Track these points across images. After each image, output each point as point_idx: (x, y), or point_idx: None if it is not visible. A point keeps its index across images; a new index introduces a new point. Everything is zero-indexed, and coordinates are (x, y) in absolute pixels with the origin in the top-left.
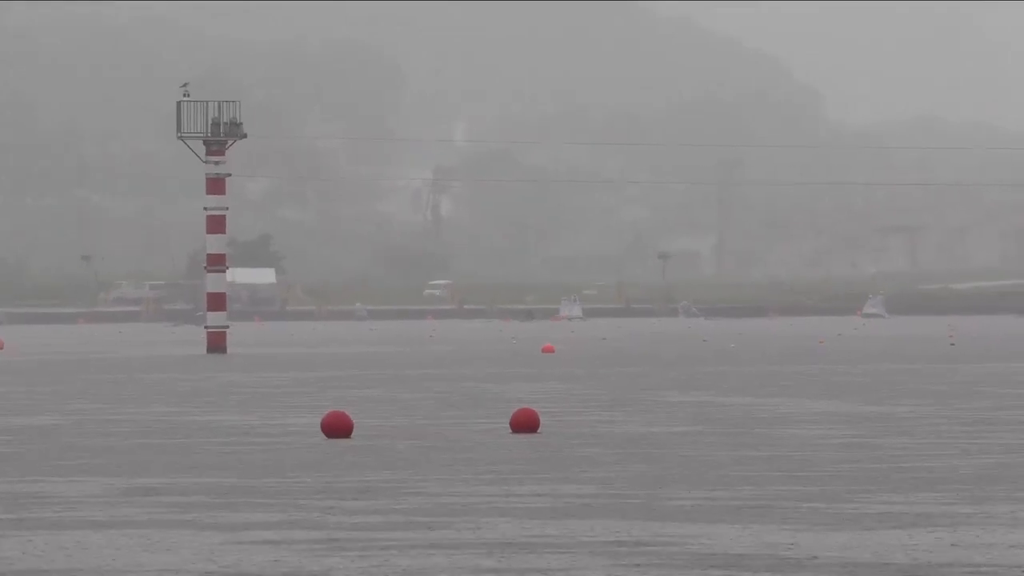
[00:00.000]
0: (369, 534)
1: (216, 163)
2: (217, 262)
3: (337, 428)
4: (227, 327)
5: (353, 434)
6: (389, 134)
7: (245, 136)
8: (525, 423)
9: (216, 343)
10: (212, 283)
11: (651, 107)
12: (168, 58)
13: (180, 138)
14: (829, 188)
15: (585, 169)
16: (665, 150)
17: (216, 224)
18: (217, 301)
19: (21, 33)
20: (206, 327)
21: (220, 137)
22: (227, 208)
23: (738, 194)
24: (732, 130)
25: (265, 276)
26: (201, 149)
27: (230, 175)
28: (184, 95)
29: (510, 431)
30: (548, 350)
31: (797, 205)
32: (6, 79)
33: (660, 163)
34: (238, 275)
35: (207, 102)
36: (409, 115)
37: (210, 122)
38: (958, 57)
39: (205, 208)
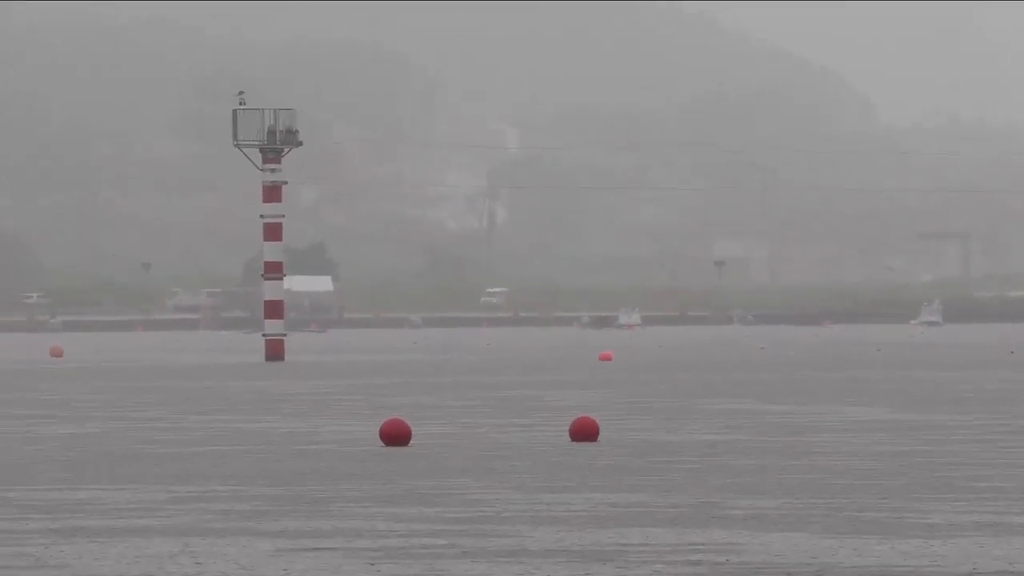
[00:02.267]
0: (424, 541)
1: (272, 171)
2: (274, 270)
3: (395, 435)
4: (285, 335)
5: (411, 441)
6: (425, 139)
7: (301, 144)
8: (584, 431)
9: (274, 351)
10: (270, 291)
11: (686, 110)
12: (180, 59)
13: (236, 146)
14: (863, 192)
15: (619, 172)
16: (702, 153)
17: (273, 232)
18: (275, 309)
19: (32, 32)
20: (264, 335)
21: (276, 145)
22: (283, 216)
23: (778, 199)
24: (767, 132)
25: (322, 284)
26: (257, 157)
27: (286, 183)
28: (239, 103)
29: (569, 439)
30: (605, 358)
31: (829, 210)
32: (17, 78)
33: (696, 166)
34: (295, 283)
35: (263, 110)
36: (445, 121)
37: (266, 130)
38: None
39: (261, 216)
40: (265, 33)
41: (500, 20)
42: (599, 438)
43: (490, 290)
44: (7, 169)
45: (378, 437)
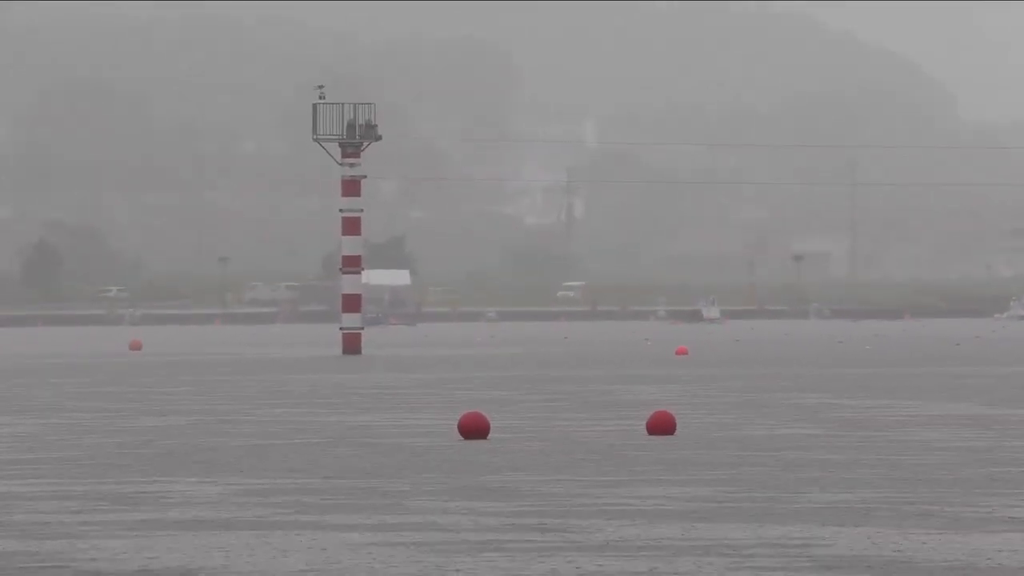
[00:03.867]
0: (498, 536)
1: (351, 165)
2: (352, 264)
3: (474, 429)
4: (362, 328)
5: (490, 435)
6: (505, 134)
7: (380, 138)
8: (662, 425)
9: (351, 345)
10: (348, 285)
11: (769, 104)
12: (286, 54)
13: (316, 140)
14: (954, 188)
15: (703, 169)
16: (785, 149)
17: (351, 226)
18: (352, 303)
19: (140, 28)
20: (341, 328)
21: (356, 139)
22: (362, 210)
23: (860, 194)
24: (854, 128)
25: (401, 278)
26: (336, 151)
27: (365, 177)
28: (320, 97)
29: (646, 433)
30: (682, 352)
31: (921, 206)
32: (120, 76)
33: (780, 161)
34: (373, 277)
35: (342, 104)
36: (526, 114)
37: (345, 124)
38: None
39: (340, 210)
40: (376, 31)
41: (589, 16)
42: (676, 432)
43: (567, 284)
44: (87, 164)
45: (456, 431)
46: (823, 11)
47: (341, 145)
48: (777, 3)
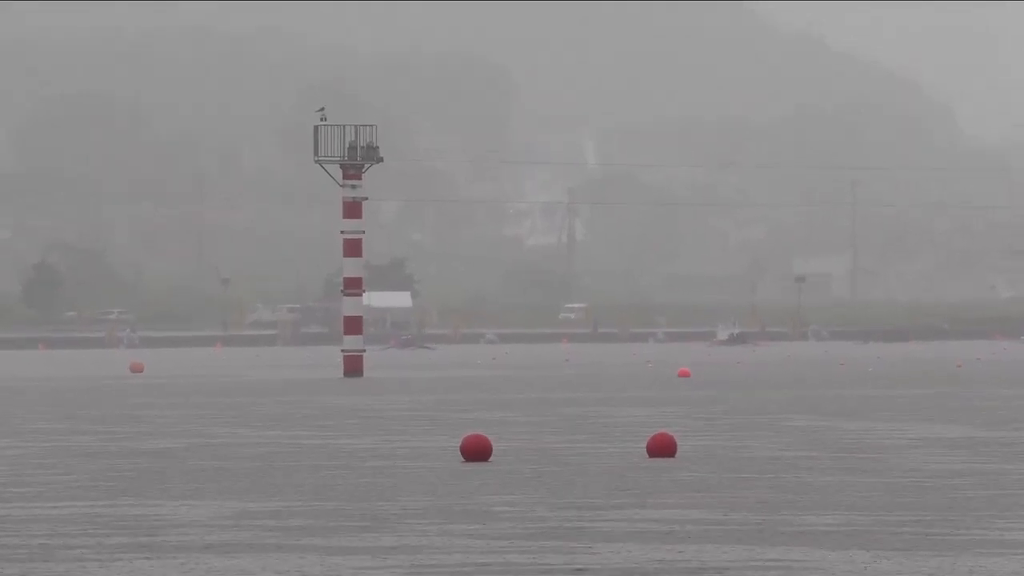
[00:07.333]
0: (496, 559)
1: (353, 187)
2: (354, 286)
3: (476, 451)
4: (364, 350)
5: (492, 457)
6: (505, 145)
7: (382, 160)
8: (662, 448)
9: (353, 367)
10: (349, 307)
11: (770, 123)
12: (285, 68)
13: (317, 162)
14: (954, 208)
15: (703, 188)
16: (786, 168)
17: (353, 248)
18: (354, 324)
19: (138, 40)
20: (343, 350)
21: (357, 161)
22: (363, 232)
23: (860, 214)
24: (855, 147)
25: (401, 300)
26: (338, 172)
27: (367, 199)
28: (320, 119)
29: (647, 455)
30: (684, 374)
31: (921, 226)
32: (121, 87)
33: (780, 182)
34: (375, 299)
35: (344, 126)
36: (525, 125)
37: (347, 146)
38: None
39: (342, 232)
40: (376, 44)
41: (588, 27)
42: (677, 454)
43: (568, 305)
44: (87, 179)
45: (458, 452)
46: (823, 29)
47: (342, 167)
48: (779, 22)
